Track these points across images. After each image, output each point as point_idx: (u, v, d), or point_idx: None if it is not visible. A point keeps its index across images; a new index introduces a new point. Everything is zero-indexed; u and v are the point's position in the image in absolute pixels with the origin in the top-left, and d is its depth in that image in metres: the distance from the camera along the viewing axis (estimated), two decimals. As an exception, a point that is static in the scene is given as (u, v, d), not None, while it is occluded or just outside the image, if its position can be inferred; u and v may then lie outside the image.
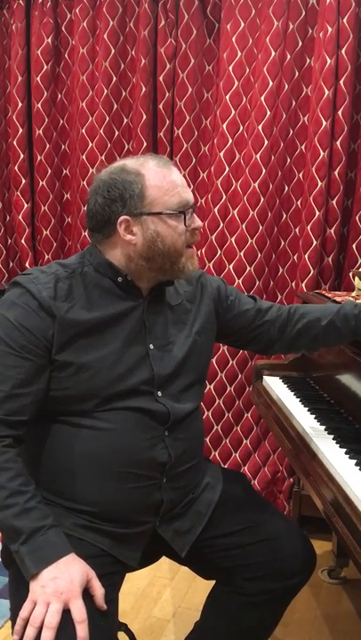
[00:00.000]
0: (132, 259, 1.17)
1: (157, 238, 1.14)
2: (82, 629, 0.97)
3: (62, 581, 1.00)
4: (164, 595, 1.97)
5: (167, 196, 1.15)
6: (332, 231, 2.23)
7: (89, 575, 1.04)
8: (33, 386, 1.11)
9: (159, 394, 1.19)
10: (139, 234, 1.14)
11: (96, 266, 1.18)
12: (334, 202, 2.21)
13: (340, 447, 1.34)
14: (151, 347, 1.19)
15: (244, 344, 1.43)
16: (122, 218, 1.14)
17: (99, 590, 1.04)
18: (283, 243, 2.40)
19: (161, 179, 1.15)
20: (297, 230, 2.36)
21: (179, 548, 1.23)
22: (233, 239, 2.35)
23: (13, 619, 1.07)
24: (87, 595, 1.03)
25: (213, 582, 1.34)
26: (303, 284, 2.25)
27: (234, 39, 2.29)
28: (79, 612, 0.98)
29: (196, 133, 2.46)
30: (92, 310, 1.14)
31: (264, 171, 2.28)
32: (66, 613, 0.99)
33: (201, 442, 1.33)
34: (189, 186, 2.45)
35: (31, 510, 1.05)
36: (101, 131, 2.50)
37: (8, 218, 2.80)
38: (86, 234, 2.58)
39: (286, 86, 2.26)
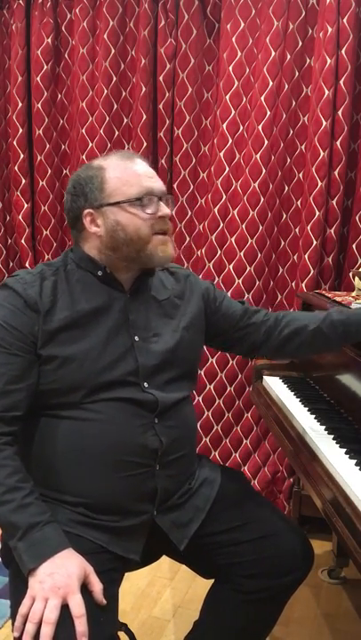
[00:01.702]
0: (101, 250, 1.21)
1: (118, 227, 1.18)
2: (80, 624, 0.98)
3: (60, 576, 1.01)
4: (164, 595, 1.97)
5: (126, 185, 1.18)
6: (332, 231, 2.24)
7: (87, 570, 1.05)
8: (25, 381, 1.14)
9: (146, 385, 1.21)
10: (102, 225, 1.19)
11: (77, 261, 1.23)
12: (334, 202, 2.21)
13: (340, 447, 1.34)
14: (136, 338, 1.22)
15: (229, 345, 1.44)
16: (85, 211, 1.20)
17: (97, 585, 1.05)
18: (283, 243, 2.40)
19: (121, 170, 1.20)
20: (297, 230, 2.36)
21: (177, 540, 1.24)
22: (233, 239, 2.35)
23: (14, 616, 1.08)
24: (86, 590, 1.03)
25: (212, 579, 1.34)
26: (303, 284, 2.25)
27: (234, 39, 2.29)
28: (77, 607, 0.99)
29: (196, 133, 2.46)
30: (75, 304, 1.18)
31: (264, 171, 2.28)
32: (65, 608, 0.99)
33: (193, 430, 1.34)
34: (189, 186, 2.48)
35: (28, 506, 1.06)
36: (101, 131, 2.51)
37: (8, 218, 2.80)
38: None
39: (286, 86, 2.26)
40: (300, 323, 1.38)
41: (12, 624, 1.07)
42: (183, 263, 2.55)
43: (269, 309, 2.40)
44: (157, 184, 1.22)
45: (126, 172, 1.20)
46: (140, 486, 1.19)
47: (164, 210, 1.20)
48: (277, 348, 1.41)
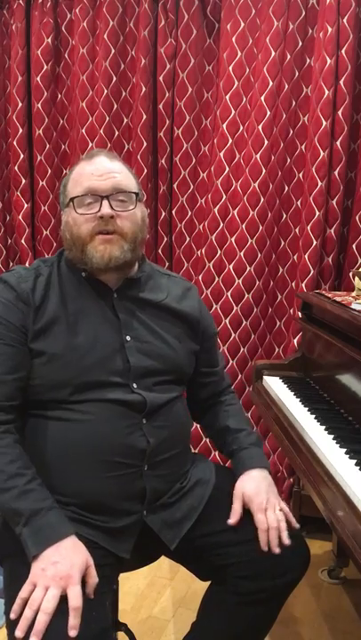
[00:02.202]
0: (66, 249, 1.25)
1: (66, 228, 1.22)
2: (74, 616, 0.98)
3: (63, 566, 1.02)
4: (164, 595, 1.97)
5: (75, 185, 1.21)
6: (332, 231, 2.23)
7: (88, 562, 1.06)
8: (20, 372, 1.16)
9: (135, 385, 1.21)
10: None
11: (66, 260, 1.26)
12: (334, 202, 2.21)
13: (341, 447, 1.34)
14: (128, 338, 1.23)
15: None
16: (62, 212, 1.25)
17: (92, 579, 1.06)
18: (283, 243, 2.40)
19: (77, 170, 1.23)
20: (297, 230, 2.36)
21: (168, 539, 1.24)
22: (233, 239, 2.35)
23: (8, 607, 1.07)
24: (83, 582, 1.04)
25: (209, 581, 1.34)
26: (303, 284, 2.25)
27: (234, 39, 2.29)
28: (75, 599, 1.00)
29: (196, 133, 2.46)
30: (65, 301, 1.21)
31: (264, 171, 2.28)
32: (62, 598, 1.00)
33: (184, 430, 1.34)
34: (189, 186, 2.48)
35: (30, 492, 1.07)
36: (101, 131, 2.51)
37: (8, 218, 2.80)
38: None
39: (286, 86, 2.26)
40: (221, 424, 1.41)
41: (6, 619, 1.07)
42: (183, 263, 2.55)
43: (270, 310, 2.42)
44: (105, 182, 1.19)
45: (77, 172, 1.22)
46: (129, 486, 1.19)
47: (103, 210, 1.17)
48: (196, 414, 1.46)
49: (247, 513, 1.25)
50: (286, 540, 1.20)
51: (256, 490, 1.26)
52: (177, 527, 1.25)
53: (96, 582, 1.06)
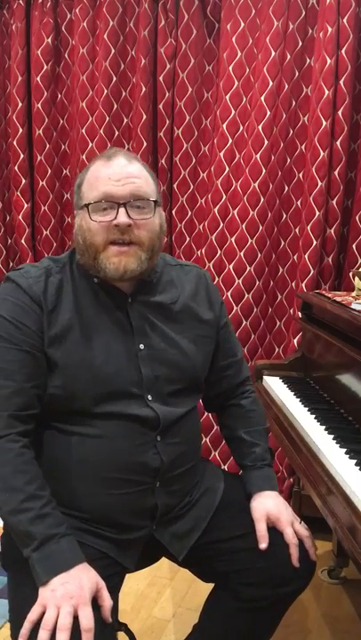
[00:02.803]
0: (78, 253, 1.18)
1: (79, 232, 1.14)
2: (87, 638, 0.96)
3: (72, 586, 0.99)
4: (164, 595, 1.97)
5: (90, 189, 1.13)
6: (332, 231, 2.23)
7: (99, 585, 1.03)
8: (38, 379, 1.11)
9: (149, 397, 1.17)
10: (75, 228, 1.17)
11: (77, 264, 1.19)
12: (334, 202, 2.21)
13: (341, 447, 1.34)
14: (141, 347, 1.17)
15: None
16: (75, 212, 1.18)
17: (107, 601, 1.03)
18: (283, 243, 2.40)
19: (93, 172, 1.14)
20: (297, 230, 2.36)
21: (176, 551, 1.23)
22: (233, 239, 2.35)
23: (14, 620, 1.07)
24: (94, 604, 1.01)
25: (212, 583, 1.33)
26: (303, 284, 2.25)
27: (234, 39, 2.29)
28: (87, 620, 0.97)
29: (196, 133, 2.46)
30: (78, 307, 1.14)
31: (264, 171, 2.28)
32: (73, 619, 0.97)
33: (197, 444, 1.31)
34: (189, 186, 2.48)
35: (46, 517, 1.03)
36: (101, 131, 2.51)
37: (8, 218, 2.80)
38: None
39: (286, 86, 2.26)
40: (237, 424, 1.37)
41: (11, 629, 1.06)
42: (183, 263, 2.55)
43: (270, 310, 2.42)
44: (123, 188, 1.11)
45: (94, 174, 1.13)
46: (140, 503, 1.17)
47: (120, 218, 1.10)
48: (211, 406, 1.42)
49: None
50: (312, 549, 1.22)
51: (277, 507, 1.24)
52: (185, 539, 1.24)
53: (111, 605, 1.04)
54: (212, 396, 1.39)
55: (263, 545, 1.19)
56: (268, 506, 1.24)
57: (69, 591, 0.98)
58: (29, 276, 1.13)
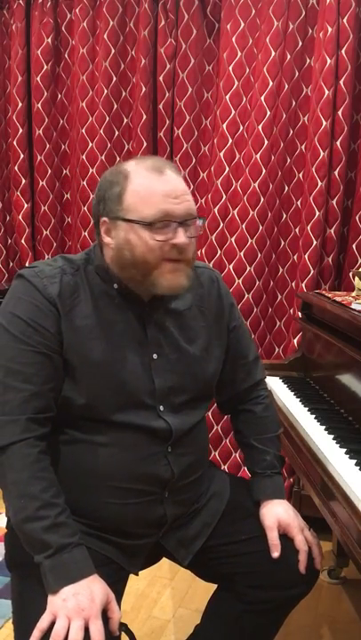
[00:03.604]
0: (114, 263, 1.12)
1: (126, 247, 1.07)
2: None
3: (84, 598, 0.98)
4: (164, 595, 1.97)
5: (143, 204, 1.06)
6: (332, 231, 2.23)
7: (109, 597, 1.03)
8: (55, 381, 1.08)
9: (161, 408, 1.15)
10: (115, 239, 1.09)
11: (96, 268, 1.14)
12: (334, 202, 2.21)
13: (341, 447, 1.34)
14: (155, 356, 1.15)
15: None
16: (102, 219, 1.10)
17: (116, 614, 1.03)
18: (283, 243, 2.40)
19: (144, 185, 1.07)
20: (297, 230, 2.36)
21: (181, 557, 1.23)
22: (233, 239, 2.35)
23: (19, 625, 1.06)
24: (103, 615, 1.01)
25: (213, 584, 1.34)
26: (303, 284, 2.25)
27: (234, 39, 2.29)
28: (98, 634, 0.97)
29: (196, 133, 2.46)
30: (95, 314, 1.11)
31: (264, 171, 2.28)
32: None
33: (206, 453, 1.30)
34: (189, 186, 2.48)
35: (61, 526, 1.02)
36: (101, 131, 2.51)
37: (8, 218, 2.80)
38: (86, 233, 2.58)
39: (286, 86, 2.26)
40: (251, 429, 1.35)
41: (15, 631, 1.06)
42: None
43: (270, 310, 2.42)
44: (180, 206, 1.07)
45: (147, 189, 1.06)
46: (148, 513, 1.16)
47: (180, 238, 1.07)
48: (225, 408, 1.41)
49: (261, 525, 1.24)
50: (318, 558, 1.23)
51: (287, 513, 1.24)
52: (191, 545, 1.23)
53: (119, 617, 1.03)
54: (225, 398, 1.37)
55: (276, 554, 1.19)
56: (279, 513, 1.24)
57: (81, 603, 0.98)
58: (44, 276, 1.09)
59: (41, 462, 1.05)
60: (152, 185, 1.07)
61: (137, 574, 1.22)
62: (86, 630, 0.97)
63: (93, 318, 1.11)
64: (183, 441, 1.17)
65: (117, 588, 1.11)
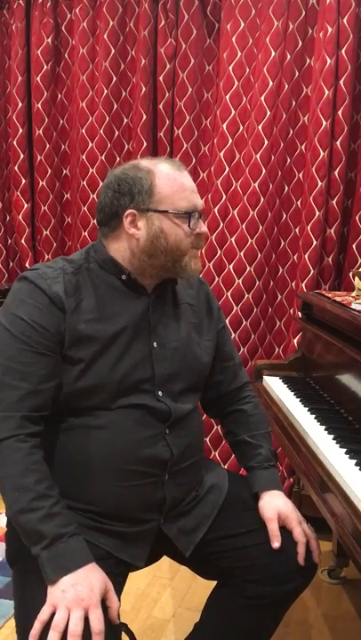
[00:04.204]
0: (135, 254, 1.18)
1: (161, 235, 1.17)
2: None
3: (83, 588, 1.00)
4: (164, 595, 1.97)
5: (176, 196, 1.17)
6: (332, 231, 2.23)
7: (107, 586, 1.04)
8: (53, 381, 1.12)
9: (160, 393, 1.20)
10: (143, 229, 1.17)
11: (101, 262, 1.20)
12: (334, 202, 2.21)
13: (341, 447, 1.34)
14: (155, 344, 1.20)
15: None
16: (128, 211, 1.16)
17: (115, 603, 1.04)
18: (283, 243, 2.40)
19: (172, 179, 1.18)
20: (297, 230, 2.36)
21: (183, 547, 1.24)
22: (233, 239, 2.35)
23: (19, 617, 1.07)
24: (102, 605, 1.02)
25: (214, 583, 1.34)
26: (303, 284, 2.25)
27: (234, 39, 2.29)
28: (98, 622, 0.98)
29: (196, 133, 2.46)
30: (99, 307, 1.16)
31: (264, 171, 2.28)
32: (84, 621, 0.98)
33: (201, 438, 1.34)
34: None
35: (56, 516, 1.04)
36: (101, 131, 2.51)
37: (8, 218, 2.80)
38: (86, 233, 2.58)
39: (286, 86, 2.26)
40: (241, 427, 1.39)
41: (17, 625, 1.07)
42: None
43: (270, 310, 2.42)
44: (200, 201, 1.22)
45: (176, 183, 1.18)
46: (149, 495, 1.18)
47: (204, 228, 1.22)
48: (210, 409, 1.44)
49: (259, 518, 1.25)
50: (316, 551, 1.25)
51: (286, 506, 1.26)
52: (192, 534, 1.25)
53: (118, 606, 1.05)
54: (212, 399, 1.41)
55: (276, 544, 1.21)
56: (279, 505, 1.26)
57: (80, 593, 0.99)
58: (47, 277, 1.14)
59: (33, 456, 1.08)
60: (179, 179, 1.19)
61: (142, 567, 1.23)
62: (86, 620, 0.98)
63: (97, 311, 1.16)
64: (180, 424, 1.22)
65: (117, 582, 1.11)
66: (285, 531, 1.24)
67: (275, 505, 1.26)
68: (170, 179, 1.18)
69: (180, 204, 1.17)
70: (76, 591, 0.99)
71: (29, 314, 1.11)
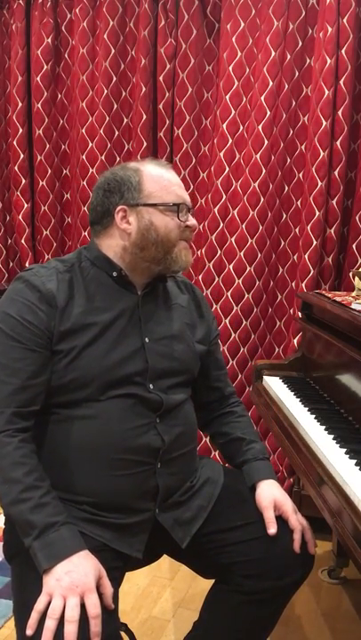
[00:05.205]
0: (126, 248, 1.23)
1: (151, 227, 1.21)
2: (95, 624, 0.99)
3: (77, 575, 1.01)
4: (164, 595, 1.97)
5: (163, 191, 1.23)
6: (332, 231, 2.23)
7: (100, 572, 1.06)
8: (42, 376, 1.15)
9: (151, 386, 1.22)
10: (134, 223, 1.21)
11: (93, 260, 1.25)
12: (334, 202, 2.21)
13: (341, 447, 1.34)
14: (147, 340, 1.24)
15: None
16: (119, 207, 1.22)
17: (108, 589, 1.06)
18: (283, 243, 2.40)
19: (159, 175, 1.24)
20: (297, 230, 2.36)
21: (179, 538, 1.24)
22: (233, 239, 2.35)
23: (17, 609, 1.08)
24: (97, 592, 1.04)
25: (212, 579, 1.34)
26: (303, 284, 2.25)
27: (234, 39, 2.29)
28: (94, 607, 1.00)
29: (196, 133, 2.46)
30: (90, 303, 1.20)
31: (264, 171, 2.28)
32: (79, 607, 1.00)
33: (194, 427, 1.35)
34: (189, 186, 2.48)
35: (46, 505, 1.07)
36: (101, 131, 2.51)
37: (8, 218, 2.80)
38: (86, 233, 2.58)
39: (286, 86, 2.26)
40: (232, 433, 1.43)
41: (16, 621, 1.08)
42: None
43: (270, 310, 2.42)
44: (187, 196, 1.28)
45: (163, 179, 1.24)
46: (142, 484, 1.20)
47: (193, 221, 1.27)
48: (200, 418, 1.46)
49: (255, 512, 1.27)
50: (311, 541, 1.27)
51: (282, 495, 1.30)
52: (187, 526, 1.26)
53: (112, 592, 1.06)
54: (202, 403, 1.44)
55: (272, 530, 1.23)
56: (275, 493, 1.29)
57: (75, 580, 1.01)
58: (41, 275, 1.19)
59: (22, 449, 1.10)
60: (165, 175, 1.25)
61: (140, 560, 1.23)
62: (83, 607, 0.99)
63: (89, 307, 1.19)
64: (171, 413, 1.25)
65: (112, 575, 1.12)
66: (281, 521, 1.26)
67: (271, 493, 1.29)
68: (157, 175, 1.24)
69: (168, 197, 1.23)
70: (70, 578, 1.01)
71: (19, 311, 1.15)
